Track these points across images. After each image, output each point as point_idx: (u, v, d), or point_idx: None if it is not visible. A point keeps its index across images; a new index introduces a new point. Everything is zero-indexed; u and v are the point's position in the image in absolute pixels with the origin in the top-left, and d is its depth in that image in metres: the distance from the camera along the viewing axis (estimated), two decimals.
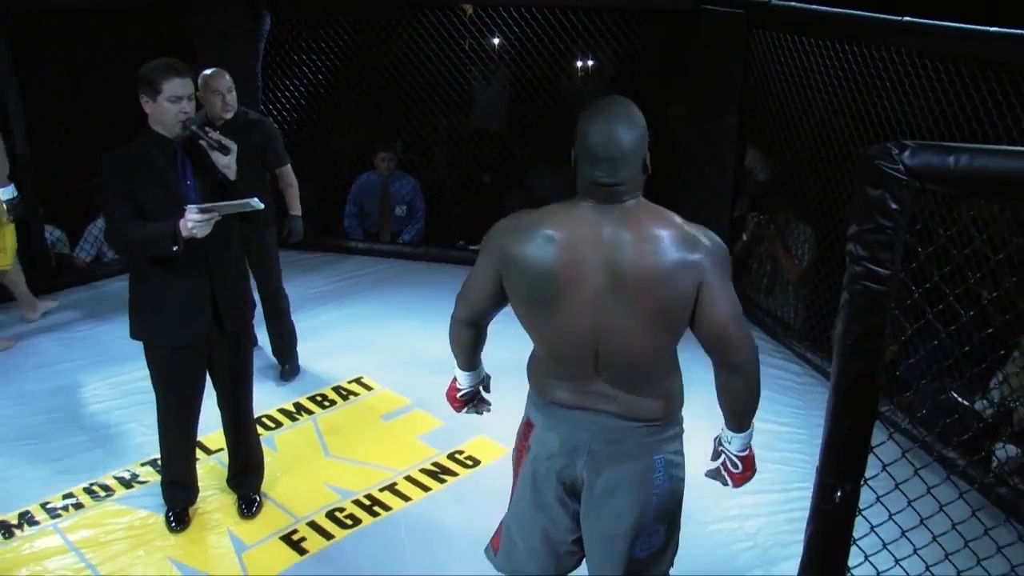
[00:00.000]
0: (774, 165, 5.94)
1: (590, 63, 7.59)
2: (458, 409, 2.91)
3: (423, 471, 4.21)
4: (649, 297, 2.26)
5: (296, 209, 4.90)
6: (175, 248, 3.18)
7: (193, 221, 3.16)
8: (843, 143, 4.92)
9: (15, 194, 5.26)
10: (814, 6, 4.91)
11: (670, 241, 2.25)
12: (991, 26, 3.77)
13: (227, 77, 4.55)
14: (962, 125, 4.10)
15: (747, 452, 2.58)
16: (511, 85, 7.26)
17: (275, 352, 5.05)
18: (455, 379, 2.85)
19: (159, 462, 3.85)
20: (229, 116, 4.56)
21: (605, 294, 2.27)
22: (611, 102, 2.29)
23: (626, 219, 2.27)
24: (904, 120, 4.45)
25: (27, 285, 5.71)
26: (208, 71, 4.54)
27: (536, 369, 2.53)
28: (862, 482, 2.12)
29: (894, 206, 1.98)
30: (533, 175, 7.44)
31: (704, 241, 2.28)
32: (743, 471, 2.58)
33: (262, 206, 3.21)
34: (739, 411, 2.50)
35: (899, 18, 4.27)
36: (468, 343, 2.68)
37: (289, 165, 4.82)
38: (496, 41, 7.01)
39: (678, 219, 2.31)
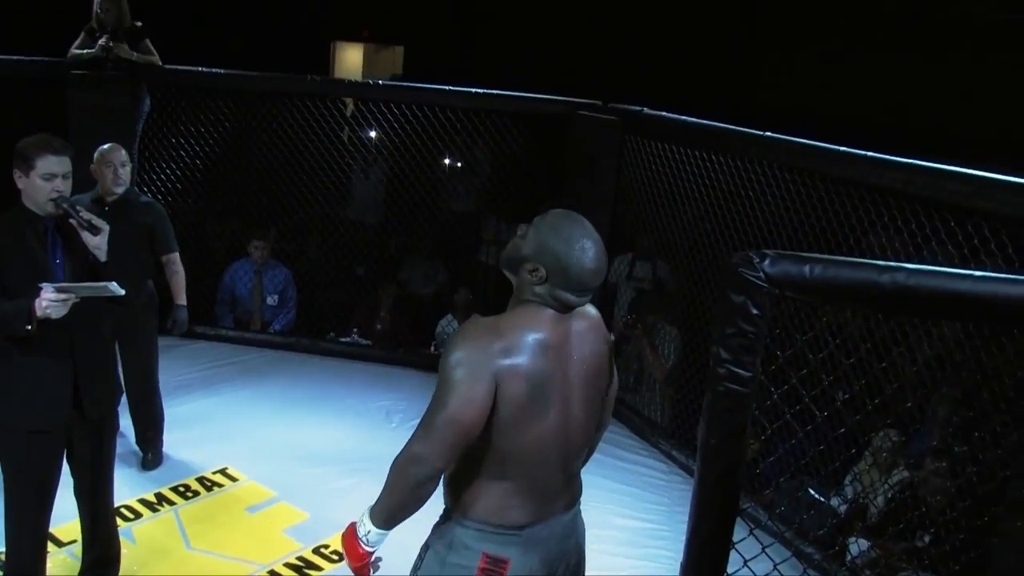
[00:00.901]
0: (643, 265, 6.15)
1: (459, 164, 7.75)
2: None
3: (287, 565, 4.12)
4: (601, 379, 2.48)
5: (182, 299, 4.78)
6: (28, 328, 3.08)
7: (48, 300, 3.07)
8: (709, 247, 5.15)
9: None
10: (683, 117, 5.17)
11: (601, 326, 2.50)
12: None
13: (123, 152, 4.51)
14: (818, 235, 4.36)
15: None
16: (388, 179, 7.35)
17: (139, 440, 4.90)
18: (361, 538, 2.41)
19: (2, 556, 3.65)
20: (120, 191, 4.50)
21: (575, 388, 2.39)
22: (584, 229, 2.34)
23: (577, 314, 2.42)
24: (765, 227, 4.68)
25: None
26: (105, 146, 4.51)
27: (492, 498, 2.38)
28: None
29: (755, 311, 2.09)
30: (406, 268, 7.49)
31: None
32: None
33: (121, 292, 3.11)
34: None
35: (761, 132, 4.54)
36: (427, 498, 2.33)
37: (177, 253, 4.75)
38: (373, 134, 7.09)
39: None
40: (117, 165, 4.47)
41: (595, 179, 5.78)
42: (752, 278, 2.07)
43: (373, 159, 7.40)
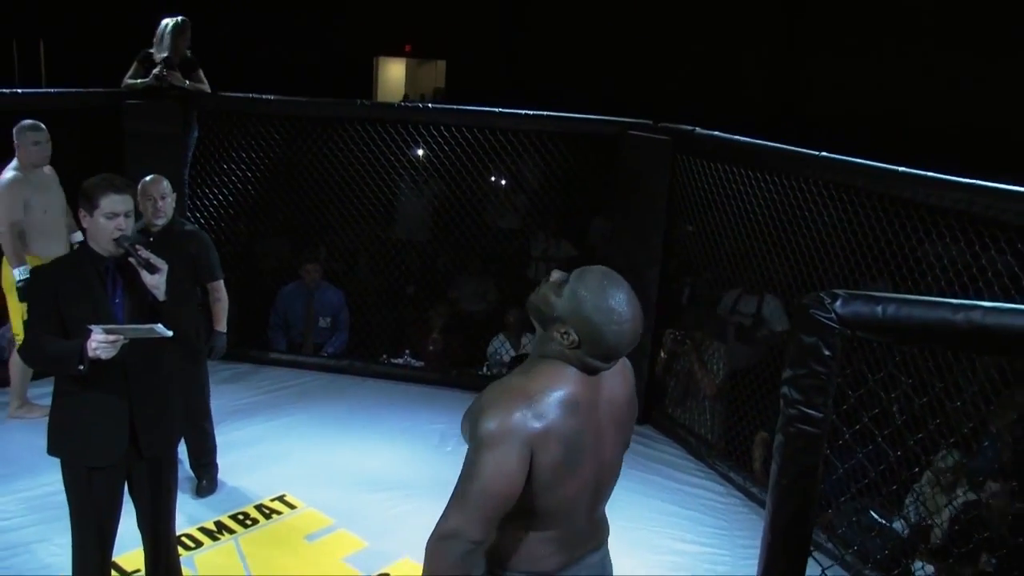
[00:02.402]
0: (694, 282, 6.10)
1: (503, 182, 7.76)
2: None
3: None
4: (630, 418, 2.47)
5: (222, 325, 4.84)
6: (81, 368, 3.12)
7: (96, 342, 3.10)
8: (759, 265, 5.12)
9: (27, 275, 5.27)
10: (736, 136, 5.13)
11: (624, 362, 2.44)
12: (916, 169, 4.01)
13: (164, 184, 4.54)
14: (877, 255, 4.32)
15: None
16: (435, 197, 7.36)
17: (192, 466, 4.93)
18: None
19: None
20: (161, 223, 4.53)
21: (606, 435, 2.35)
22: (625, 296, 2.25)
23: None
24: (821, 248, 4.64)
25: None
26: (147, 178, 4.54)
27: (527, 548, 2.35)
28: None
29: (827, 353, 2.06)
30: (456, 287, 7.50)
31: None
32: None
33: (169, 333, 3.13)
34: None
35: (816, 152, 4.49)
36: (473, 568, 2.27)
37: (221, 280, 4.79)
38: (420, 152, 7.10)
39: None
40: (157, 198, 4.50)
41: (646, 198, 5.74)
42: (823, 319, 2.05)
43: (423, 178, 7.41)
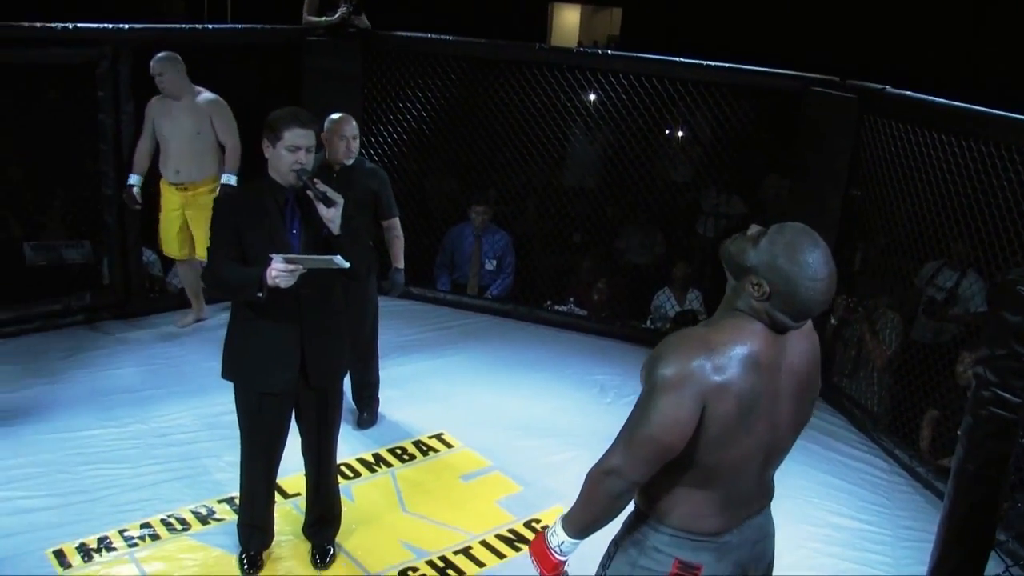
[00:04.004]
0: (866, 248, 5.82)
1: (680, 134, 7.59)
2: None
3: (499, 537, 4.15)
4: (812, 388, 2.38)
5: (400, 262, 4.92)
6: (260, 295, 3.22)
7: (277, 271, 3.18)
8: (942, 238, 4.84)
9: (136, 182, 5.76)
10: (932, 97, 4.80)
11: (811, 331, 2.37)
12: None
13: (353, 123, 4.60)
14: None
15: None
16: (607, 144, 7.26)
17: (355, 398, 5.04)
18: (553, 548, 2.41)
19: (237, 501, 3.89)
20: (350, 163, 4.61)
21: (784, 401, 2.28)
22: (822, 255, 2.18)
23: None
24: (1019, 220, 4.34)
25: (124, 308, 6.07)
26: (336, 116, 4.59)
27: (689, 506, 2.33)
28: None
29: None
30: (623, 238, 7.40)
31: None
32: None
33: (346, 265, 3.19)
34: None
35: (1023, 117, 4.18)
36: (623, 509, 2.33)
37: (397, 218, 4.86)
38: (592, 97, 6.99)
39: None
40: (349, 138, 4.56)
41: (827, 159, 5.48)
42: None
43: (595, 125, 7.31)
